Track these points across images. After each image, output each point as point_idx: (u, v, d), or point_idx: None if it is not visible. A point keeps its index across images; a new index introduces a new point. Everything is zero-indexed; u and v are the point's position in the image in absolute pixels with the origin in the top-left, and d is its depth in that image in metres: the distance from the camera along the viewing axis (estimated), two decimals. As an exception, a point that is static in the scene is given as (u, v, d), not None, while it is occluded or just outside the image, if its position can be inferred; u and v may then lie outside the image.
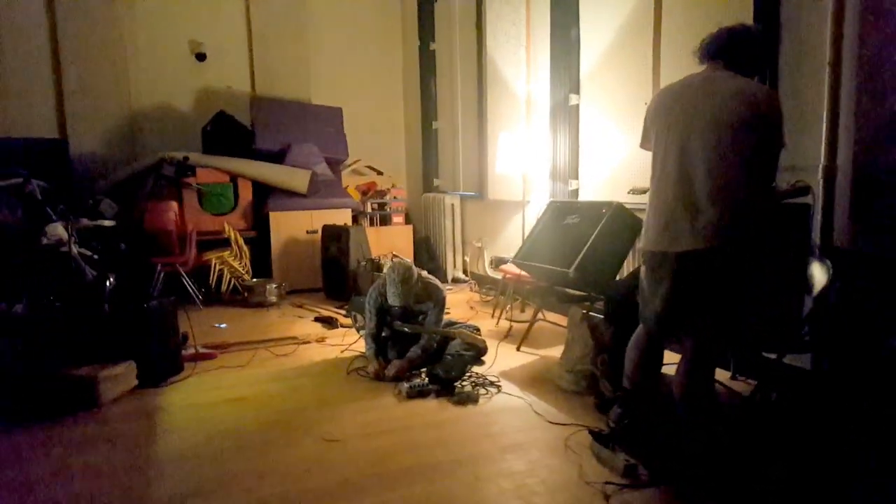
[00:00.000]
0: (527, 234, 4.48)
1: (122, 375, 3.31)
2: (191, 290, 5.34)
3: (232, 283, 5.72)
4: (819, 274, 2.70)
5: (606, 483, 2.25)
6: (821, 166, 2.95)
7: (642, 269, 2.55)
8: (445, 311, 3.90)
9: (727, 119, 2.23)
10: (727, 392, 3.08)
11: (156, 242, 5.47)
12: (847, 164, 2.90)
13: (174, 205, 5.65)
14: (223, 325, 4.80)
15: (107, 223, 4.91)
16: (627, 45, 4.28)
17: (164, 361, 3.56)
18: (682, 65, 2.52)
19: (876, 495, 2.18)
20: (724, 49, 2.36)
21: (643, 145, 2.62)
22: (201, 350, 3.95)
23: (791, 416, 2.79)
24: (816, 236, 2.95)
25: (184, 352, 3.81)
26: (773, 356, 2.78)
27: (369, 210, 6.95)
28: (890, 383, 2.50)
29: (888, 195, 2.76)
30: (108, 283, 3.49)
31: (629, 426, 2.54)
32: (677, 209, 2.31)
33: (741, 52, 2.36)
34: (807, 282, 2.72)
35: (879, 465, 2.30)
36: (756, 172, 2.27)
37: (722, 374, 3.30)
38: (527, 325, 4.22)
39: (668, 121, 2.41)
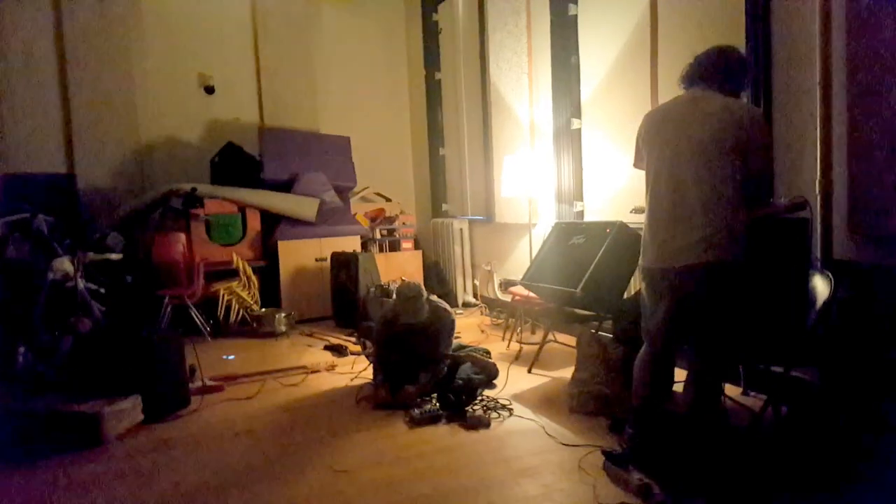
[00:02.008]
0: (534, 255, 4.47)
1: (127, 410, 3.27)
2: (199, 322, 5.34)
3: (241, 313, 5.71)
4: (821, 287, 2.68)
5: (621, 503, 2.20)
6: (817, 181, 2.96)
7: (642, 285, 2.56)
8: (455, 334, 3.87)
9: (714, 138, 2.30)
10: (739, 407, 3.02)
11: (164, 275, 5.48)
12: (842, 178, 2.90)
13: (182, 236, 5.68)
14: (231, 357, 4.78)
15: (114, 257, 4.93)
16: (626, 70, 4.33)
17: (170, 395, 3.53)
18: (678, 88, 2.57)
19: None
20: (707, 71, 2.44)
21: (636, 164, 2.70)
22: (209, 383, 3.93)
23: (800, 429, 2.73)
24: (817, 250, 2.95)
25: (191, 385, 3.78)
26: (779, 370, 2.74)
27: (378, 237, 6.96)
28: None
29: (883, 207, 2.74)
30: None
31: (642, 445, 2.49)
32: (672, 226, 2.38)
33: (724, 72, 2.43)
34: (809, 295, 2.69)
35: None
36: (747, 188, 2.33)
37: (733, 391, 3.25)
38: (537, 347, 4.18)
39: (658, 141, 2.48)
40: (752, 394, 3.27)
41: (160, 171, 6.50)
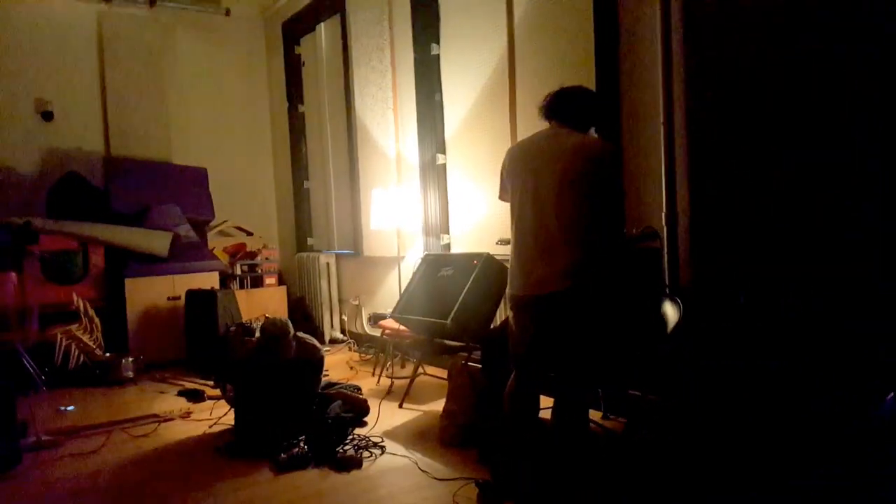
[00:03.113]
0: (403, 288, 4.47)
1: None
2: (32, 371, 4.77)
3: (81, 359, 5.17)
4: (671, 312, 2.89)
5: (496, 536, 2.20)
6: (663, 214, 3.22)
7: (510, 313, 2.65)
8: (324, 371, 3.75)
9: (571, 171, 2.45)
10: (601, 431, 3.16)
11: (-10, 318, 4.86)
12: (685, 211, 3.18)
13: (13, 275, 5.07)
14: (70, 408, 4.30)
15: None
16: (487, 107, 4.53)
17: (-3, 453, 3.11)
18: (535, 124, 2.73)
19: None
20: (560, 108, 2.61)
21: (501, 197, 2.80)
22: (44, 437, 3.50)
23: (662, 450, 2.91)
24: (667, 277, 3.19)
25: (23, 441, 3.35)
26: (638, 393, 2.92)
27: (239, 272, 6.63)
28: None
29: (724, 238, 3.04)
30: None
31: (512, 473, 2.52)
32: (537, 255, 2.48)
33: (575, 110, 2.60)
34: (662, 320, 2.90)
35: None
36: (602, 218, 2.50)
37: (594, 414, 3.41)
38: (408, 381, 4.14)
39: (521, 175, 2.60)
40: (612, 417, 3.44)
41: (-11, 203, 5.81)
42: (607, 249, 2.52)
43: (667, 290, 3.10)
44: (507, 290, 2.68)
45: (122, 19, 6.52)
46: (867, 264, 2.51)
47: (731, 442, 2.64)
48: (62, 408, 4.31)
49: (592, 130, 2.72)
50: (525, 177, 2.58)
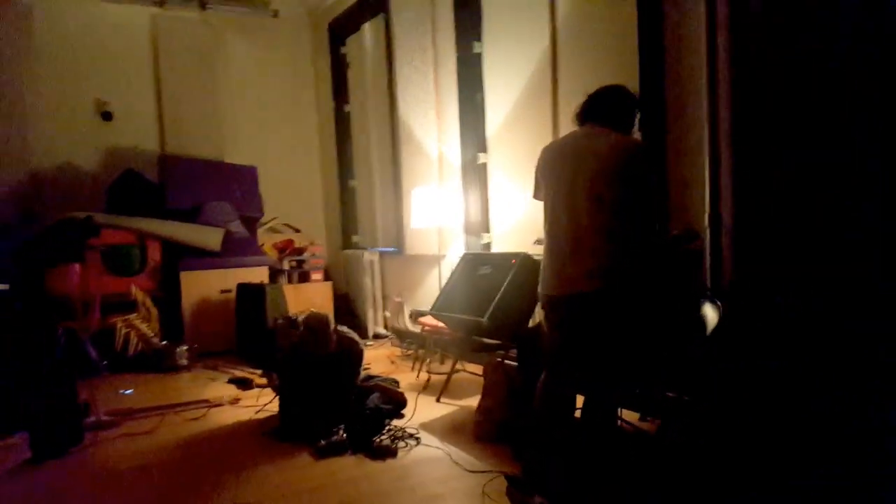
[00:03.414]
0: (443, 286, 4.57)
1: (14, 447, 3.10)
2: (94, 356, 5.05)
3: (139, 347, 5.46)
4: (711, 315, 2.89)
5: (521, 526, 2.28)
6: (706, 215, 3.21)
7: (542, 313, 2.69)
8: (365, 365, 3.88)
9: (603, 171, 2.47)
10: (634, 431, 3.19)
11: (58, 306, 5.18)
12: (729, 213, 3.16)
13: (77, 267, 5.39)
14: (129, 392, 4.56)
15: (1, 287, 4.62)
16: (528, 106, 4.55)
17: (61, 431, 3.34)
18: (573, 124, 2.76)
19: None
20: (596, 109, 2.62)
21: (536, 196, 2.83)
22: (104, 418, 3.73)
23: (692, 451, 2.92)
24: (708, 279, 3.19)
25: (85, 420, 3.59)
26: (673, 395, 2.93)
27: (287, 268, 6.85)
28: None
29: (767, 241, 3.02)
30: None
31: (543, 470, 2.58)
32: (568, 255, 2.51)
33: (615, 110, 2.62)
34: (701, 322, 2.90)
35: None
36: (636, 218, 2.49)
37: (631, 416, 3.43)
38: (446, 376, 4.24)
39: (555, 175, 2.63)
40: (649, 419, 3.45)
41: (54, 199, 6.15)
42: (641, 250, 2.53)
43: (707, 293, 3.09)
44: (539, 290, 2.71)
45: (174, 22, 6.81)
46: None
47: (760, 445, 2.64)
48: (121, 391, 4.57)
49: (635, 132, 2.73)
50: (559, 176, 2.61)
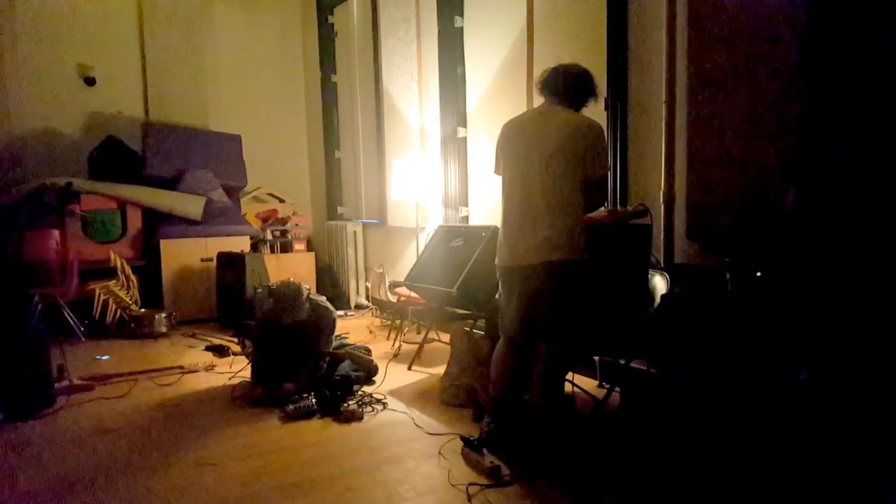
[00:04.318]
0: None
1: (-16, 409, 3.15)
2: (72, 322, 5.11)
3: (118, 314, 5.50)
4: (660, 285, 2.97)
5: (471, 484, 2.35)
6: (661, 192, 3.27)
7: (499, 283, 2.77)
8: (344, 334, 3.94)
9: (558, 148, 2.55)
10: (591, 399, 3.26)
11: (35, 272, 5.21)
12: (682, 189, 3.22)
13: (55, 233, 5.42)
14: (105, 358, 4.61)
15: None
16: (506, 81, 4.57)
17: (32, 394, 3.39)
18: (535, 90, 2.80)
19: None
20: (554, 86, 2.69)
21: (496, 171, 2.91)
22: (77, 381, 3.79)
23: (632, 413, 2.99)
24: (658, 254, 3.26)
25: (57, 384, 3.65)
26: (622, 361, 3.02)
27: (270, 237, 6.89)
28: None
29: (716, 216, 3.08)
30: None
31: (496, 431, 2.66)
32: (521, 228, 2.62)
33: (570, 89, 2.69)
34: (649, 293, 2.98)
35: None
36: (586, 194, 2.59)
37: (589, 383, 3.52)
38: (418, 345, 4.31)
39: (513, 151, 2.72)
40: (605, 385, 3.54)
41: (34, 164, 6.15)
42: (592, 224, 2.65)
43: (658, 265, 3.17)
44: (496, 261, 2.80)
45: (160, -14, 6.72)
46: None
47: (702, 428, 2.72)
48: (97, 357, 4.62)
49: (589, 108, 2.78)
50: (515, 152, 2.70)
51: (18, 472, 2.67)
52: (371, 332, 5.50)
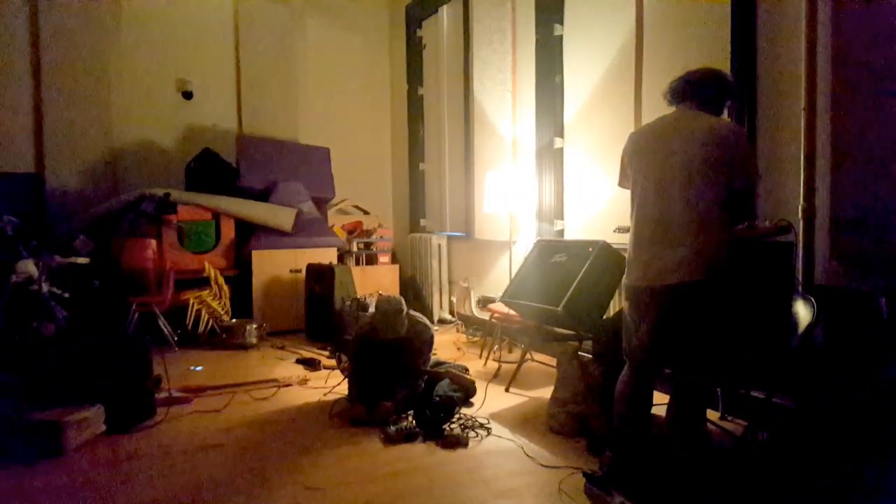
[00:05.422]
0: (514, 273, 4.43)
1: (89, 420, 3.13)
2: (166, 332, 5.17)
3: (210, 324, 5.55)
4: (803, 312, 2.67)
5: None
6: (800, 207, 2.97)
7: (626, 304, 2.55)
8: (433, 350, 3.79)
9: (699, 157, 2.31)
10: (719, 431, 2.99)
11: (133, 281, 5.31)
12: (825, 205, 2.91)
13: (153, 242, 5.52)
14: (199, 368, 4.63)
15: (80, 260, 4.76)
16: (610, 90, 4.36)
17: (135, 405, 3.39)
18: (662, 109, 2.59)
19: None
20: (691, 91, 2.46)
21: (621, 184, 2.68)
22: (175, 394, 3.78)
23: (781, 456, 2.71)
24: (800, 274, 2.95)
25: (157, 395, 3.64)
26: (761, 395, 2.72)
27: (355, 249, 6.86)
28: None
29: (866, 234, 2.76)
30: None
31: (622, 467, 2.44)
32: (656, 245, 2.38)
33: (707, 93, 2.45)
34: (792, 320, 2.68)
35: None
36: (730, 208, 2.34)
37: (712, 415, 3.22)
38: (515, 365, 4.12)
39: (644, 161, 2.49)
40: (731, 418, 3.24)
41: (133, 174, 6.35)
42: (731, 241, 2.37)
43: (800, 288, 2.87)
44: (624, 280, 2.58)
45: (256, 4, 6.87)
46: None
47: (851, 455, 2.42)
48: (191, 367, 4.64)
49: (725, 114, 2.55)
50: (649, 162, 2.47)
51: (117, 488, 2.63)
52: (459, 348, 5.34)
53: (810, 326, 2.59)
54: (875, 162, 2.71)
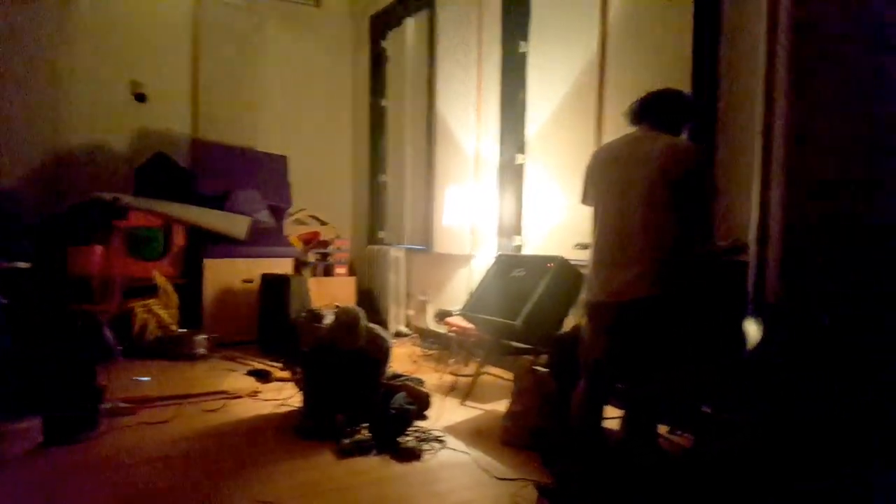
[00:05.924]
0: (473, 287, 4.43)
1: (25, 431, 2.98)
2: (111, 341, 4.97)
3: (157, 333, 5.36)
4: (753, 330, 2.73)
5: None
6: (754, 227, 3.04)
7: (583, 319, 2.58)
8: (389, 363, 3.75)
9: (657, 176, 2.35)
10: (668, 445, 3.02)
11: (78, 288, 5.11)
12: (777, 226, 2.99)
13: (99, 248, 5.32)
14: (145, 379, 4.46)
15: (22, 265, 4.55)
16: (572, 108, 4.42)
17: (76, 416, 3.23)
18: (622, 128, 2.64)
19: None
20: (651, 111, 2.51)
21: (583, 201, 2.72)
22: (120, 405, 3.63)
23: (730, 469, 2.75)
24: (750, 293, 3.02)
25: (100, 406, 3.49)
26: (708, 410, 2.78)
27: (312, 260, 6.76)
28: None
29: (817, 255, 2.84)
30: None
31: (575, 479, 2.44)
32: (616, 261, 2.41)
33: (667, 113, 2.51)
34: (742, 337, 2.74)
35: None
36: (689, 224, 2.39)
37: (661, 429, 3.26)
38: (471, 378, 4.10)
39: (605, 179, 2.53)
40: (679, 433, 3.28)
41: (81, 178, 6.10)
42: (692, 258, 2.42)
43: (751, 307, 2.94)
44: (584, 296, 2.61)
45: (217, 7, 6.75)
46: None
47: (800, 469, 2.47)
48: (137, 378, 4.47)
49: (684, 134, 2.61)
50: (611, 180, 2.51)
51: (54, 501, 2.50)
52: (415, 361, 5.29)
53: (759, 343, 2.64)
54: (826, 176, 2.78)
